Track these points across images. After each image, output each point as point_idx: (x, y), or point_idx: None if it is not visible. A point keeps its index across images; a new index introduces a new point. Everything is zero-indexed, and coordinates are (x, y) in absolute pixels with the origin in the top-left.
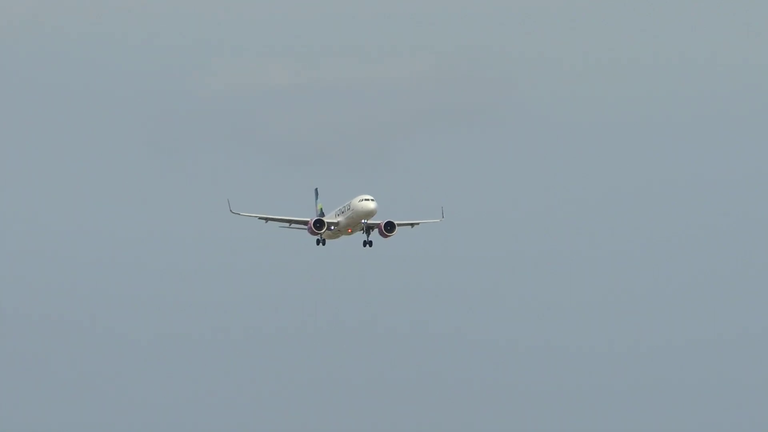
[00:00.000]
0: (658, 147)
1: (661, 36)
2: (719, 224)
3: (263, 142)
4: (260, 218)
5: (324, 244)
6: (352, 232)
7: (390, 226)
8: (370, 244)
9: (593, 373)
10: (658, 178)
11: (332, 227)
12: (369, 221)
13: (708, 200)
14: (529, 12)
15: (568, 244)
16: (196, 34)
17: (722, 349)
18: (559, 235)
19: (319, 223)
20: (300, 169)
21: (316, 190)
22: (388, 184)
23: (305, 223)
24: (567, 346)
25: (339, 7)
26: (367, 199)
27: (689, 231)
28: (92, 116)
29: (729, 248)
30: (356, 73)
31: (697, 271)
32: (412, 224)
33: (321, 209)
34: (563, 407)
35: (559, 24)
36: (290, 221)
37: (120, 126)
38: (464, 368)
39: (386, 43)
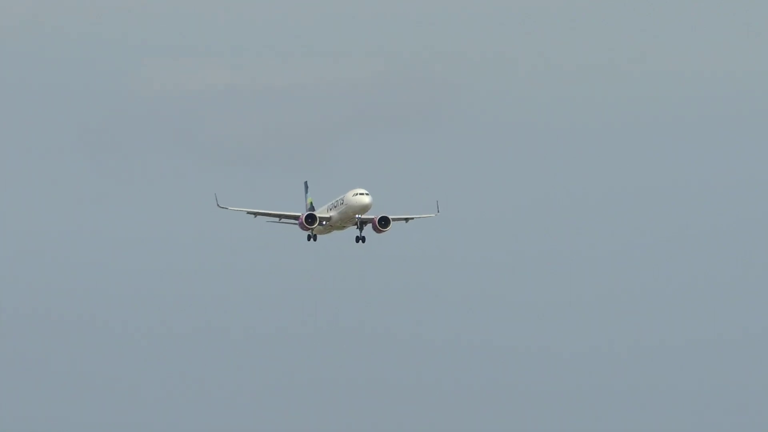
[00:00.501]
0: (599, 148)
1: (601, 38)
2: (682, 233)
3: (201, 144)
4: (249, 213)
5: (315, 239)
6: (344, 228)
7: (384, 222)
8: (363, 239)
9: (591, 372)
10: (593, 179)
11: (324, 222)
12: (363, 216)
13: (675, 209)
14: (473, 15)
15: (516, 245)
16: (134, 33)
17: (725, 351)
18: (508, 236)
19: (310, 218)
20: (239, 171)
21: (306, 183)
22: (328, 186)
23: (296, 218)
24: (564, 345)
25: (281, 8)
26: (362, 194)
27: (654, 234)
28: (28, 118)
29: (705, 251)
30: (296, 75)
31: (658, 271)
32: (406, 219)
33: (311, 203)
34: (560, 407)
35: (504, 27)
36: (280, 216)
37: (57, 126)
38: (462, 370)
39: (327, 45)
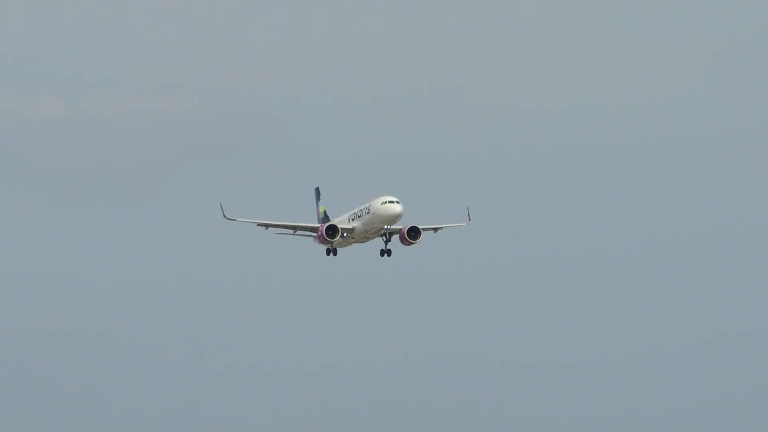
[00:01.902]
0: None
1: (422, 70)
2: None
3: (32, 177)
4: (260, 225)
5: (335, 254)
6: (367, 240)
7: (414, 232)
8: (389, 253)
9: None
10: None
11: (345, 234)
12: (392, 227)
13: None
14: (296, 52)
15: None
16: None
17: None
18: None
19: (332, 230)
20: (71, 205)
21: (318, 189)
22: (159, 219)
23: (314, 229)
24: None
25: (111, 39)
26: (392, 201)
27: None
28: None
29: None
30: (127, 107)
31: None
32: (434, 229)
33: (324, 212)
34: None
35: (325, 63)
36: (295, 227)
37: None
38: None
39: (156, 77)
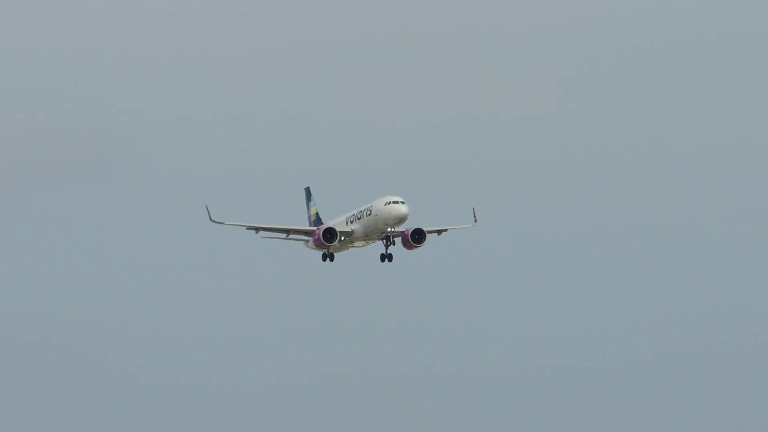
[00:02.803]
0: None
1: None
2: None
3: None
4: (249, 228)
5: (332, 259)
6: (367, 244)
7: (419, 236)
8: (390, 258)
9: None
10: None
11: (344, 238)
12: (395, 230)
13: None
14: (149, 72)
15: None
16: None
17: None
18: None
19: (330, 234)
20: None
21: (308, 189)
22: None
23: (309, 233)
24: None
25: None
26: (398, 202)
27: None
28: None
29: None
30: None
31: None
32: (438, 231)
33: (317, 213)
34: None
35: (179, 84)
36: (289, 231)
37: None
38: (507, 407)
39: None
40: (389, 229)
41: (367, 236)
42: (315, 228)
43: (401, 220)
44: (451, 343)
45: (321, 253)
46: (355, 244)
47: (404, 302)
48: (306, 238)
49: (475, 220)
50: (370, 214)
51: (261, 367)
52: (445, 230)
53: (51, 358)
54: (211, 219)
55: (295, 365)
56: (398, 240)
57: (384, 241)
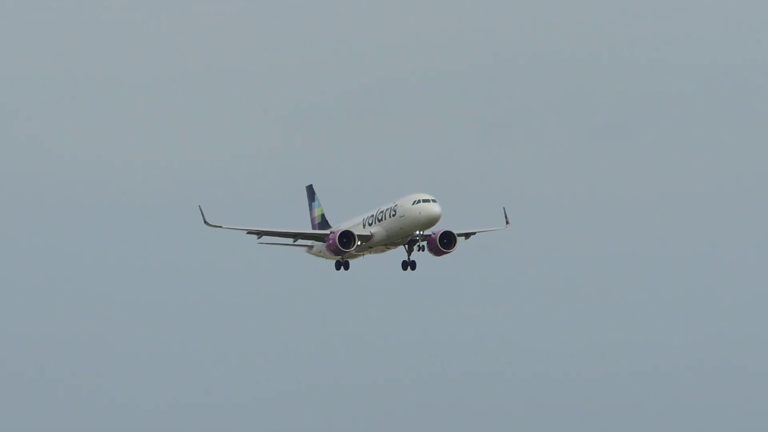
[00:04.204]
0: None
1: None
2: None
3: None
4: (251, 233)
5: (347, 268)
6: (387, 249)
7: (448, 239)
8: (413, 265)
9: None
10: None
11: (361, 242)
12: (423, 233)
13: None
14: None
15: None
16: None
17: None
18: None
19: (347, 238)
20: None
21: (310, 187)
22: None
23: (322, 238)
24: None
25: None
26: (428, 200)
27: None
28: None
29: None
30: None
31: None
32: (466, 235)
33: (321, 215)
34: None
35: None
36: (297, 236)
37: None
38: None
39: None
40: (417, 233)
41: (390, 240)
42: (328, 231)
43: (433, 221)
44: (487, 366)
45: (335, 261)
46: (374, 250)
47: (431, 316)
48: (311, 243)
49: (507, 222)
50: (394, 215)
51: (274, 392)
52: (474, 233)
53: (48, 366)
54: (206, 222)
55: (312, 388)
56: (423, 245)
57: (406, 246)
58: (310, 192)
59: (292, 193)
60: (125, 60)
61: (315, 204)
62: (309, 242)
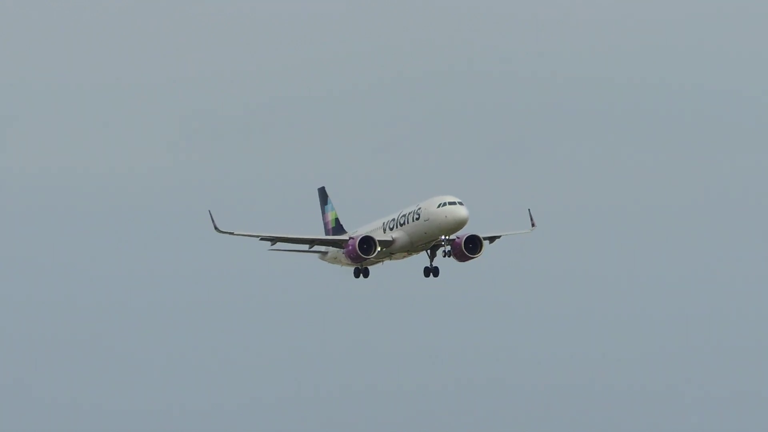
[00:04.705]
0: None
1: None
2: None
3: None
4: (264, 239)
5: (367, 275)
6: (408, 255)
7: (473, 244)
8: (436, 272)
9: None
10: None
11: (383, 249)
12: (448, 237)
13: None
14: None
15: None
16: None
17: None
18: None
19: (367, 244)
20: None
21: (322, 190)
22: None
23: (340, 244)
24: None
25: None
26: (454, 203)
27: None
28: None
29: None
30: None
31: None
32: (491, 239)
33: (335, 219)
34: None
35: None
36: (313, 242)
37: None
38: None
39: None
40: (442, 238)
41: (412, 246)
42: (347, 237)
43: (460, 225)
44: (515, 378)
45: (353, 268)
46: (394, 257)
47: (456, 326)
48: (325, 249)
49: (533, 224)
50: (417, 219)
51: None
52: (499, 237)
53: (52, 373)
54: (216, 229)
55: (335, 400)
56: (447, 249)
57: (429, 251)
58: (323, 194)
59: (300, 196)
60: (126, 60)
61: (328, 207)
62: (323, 248)
